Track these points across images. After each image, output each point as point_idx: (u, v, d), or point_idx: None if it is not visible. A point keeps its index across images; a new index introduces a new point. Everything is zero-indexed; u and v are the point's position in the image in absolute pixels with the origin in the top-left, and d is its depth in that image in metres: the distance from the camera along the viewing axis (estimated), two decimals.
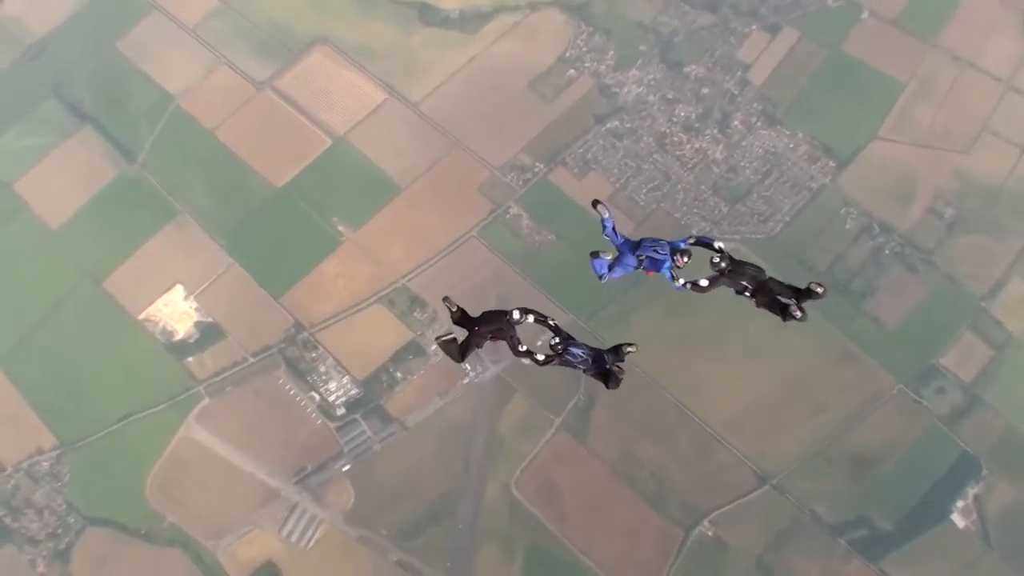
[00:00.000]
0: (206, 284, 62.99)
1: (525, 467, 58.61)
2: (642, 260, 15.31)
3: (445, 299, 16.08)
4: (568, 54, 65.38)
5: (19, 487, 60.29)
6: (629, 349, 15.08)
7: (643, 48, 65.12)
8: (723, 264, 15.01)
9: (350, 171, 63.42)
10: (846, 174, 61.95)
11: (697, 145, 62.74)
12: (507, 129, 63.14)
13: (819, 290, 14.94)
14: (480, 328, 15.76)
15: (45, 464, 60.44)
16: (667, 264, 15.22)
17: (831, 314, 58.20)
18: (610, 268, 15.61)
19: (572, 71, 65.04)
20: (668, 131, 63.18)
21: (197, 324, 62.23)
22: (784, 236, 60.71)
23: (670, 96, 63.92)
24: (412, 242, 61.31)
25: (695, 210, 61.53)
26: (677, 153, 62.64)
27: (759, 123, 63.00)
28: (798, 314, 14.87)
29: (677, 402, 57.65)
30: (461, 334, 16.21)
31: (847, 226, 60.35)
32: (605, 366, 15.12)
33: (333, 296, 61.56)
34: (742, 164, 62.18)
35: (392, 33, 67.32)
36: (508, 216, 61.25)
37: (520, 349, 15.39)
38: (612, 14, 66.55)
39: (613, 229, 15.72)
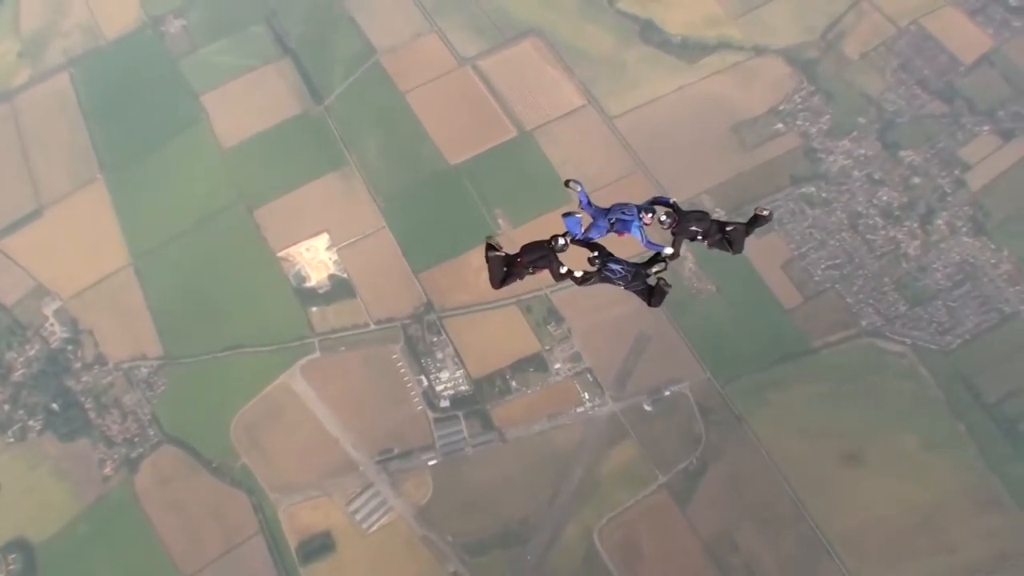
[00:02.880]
0: (352, 240, 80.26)
1: (614, 517, 71.42)
2: (613, 223, 20.05)
3: (489, 237, 20.31)
4: (782, 107, 79.60)
5: (113, 385, 79.10)
6: (658, 268, 19.13)
7: (862, 120, 78.38)
8: (669, 220, 19.73)
9: (526, 167, 79.75)
10: None
11: (892, 234, 74.81)
12: (697, 167, 77.31)
13: (765, 213, 19.51)
14: (522, 259, 20.01)
15: (144, 371, 79.05)
16: (635, 223, 19.93)
17: (988, 453, 68.64)
18: (584, 231, 20.14)
19: (781, 125, 79.09)
20: (865, 212, 75.58)
21: (331, 277, 79.57)
22: (959, 354, 71.51)
23: (877, 177, 76.43)
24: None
25: (871, 301, 72.99)
26: (868, 237, 74.85)
27: (964, 229, 74.39)
28: (765, 212, 19.77)
29: (796, 498, 69.31)
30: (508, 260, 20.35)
31: None
32: (646, 281, 18.87)
33: (472, 287, 76.85)
34: (934, 266, 73.65)
35: (609, 42, 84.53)
36: None
37: (561, 272, 19.75)
38: (839, 78, 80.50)
39: (588, 201, 20.50)
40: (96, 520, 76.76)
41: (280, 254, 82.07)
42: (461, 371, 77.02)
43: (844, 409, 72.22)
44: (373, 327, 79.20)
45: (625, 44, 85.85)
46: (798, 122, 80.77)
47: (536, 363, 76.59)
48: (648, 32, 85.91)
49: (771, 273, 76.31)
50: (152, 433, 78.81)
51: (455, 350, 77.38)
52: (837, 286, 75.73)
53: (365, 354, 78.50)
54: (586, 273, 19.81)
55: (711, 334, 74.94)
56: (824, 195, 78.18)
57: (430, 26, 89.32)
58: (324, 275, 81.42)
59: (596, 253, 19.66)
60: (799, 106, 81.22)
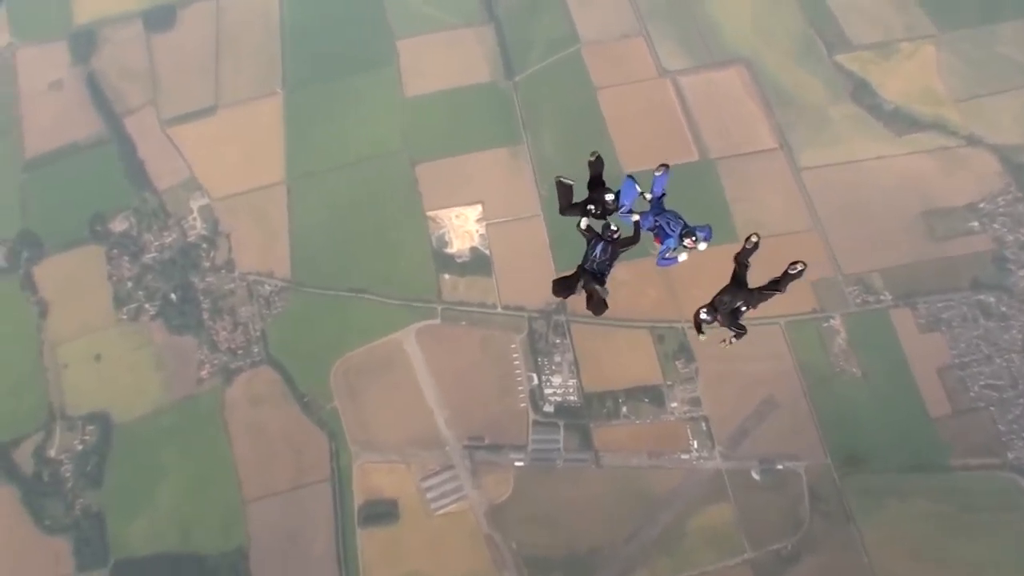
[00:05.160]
0: (504, 219, 78.17)
1: None
2: (656, 225, 19.64)
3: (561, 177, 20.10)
4: (982, 205, 73.68)
5: (234, 293, 78.98)
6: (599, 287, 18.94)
7: None
8: (709, 319, 19.41)
9: (697, 194, 75.41)
10: None
11: None
12: (875, 243, 72.49)
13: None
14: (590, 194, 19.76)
15: (268, 288, 78.64)
16: (671, 242, 19.45)
17: None
18: (635, 211, 19.55)
19: (976, 223, 73.14)
20: None
21: (473, 249, 77.59)
22: None
23: None
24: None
25: (1023, 433, 67.26)
26: None
27: None
28: (798, 267, 18.50)
29: None
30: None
31: None
32: (595, 283, 19.28)
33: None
34: None
35: (818, 92, 79.94)
36: (826, 325, 70.66)
37: (585, 207, 19.62)
38: None
39: (662, 187, 20.07)
40: (179, 418, 76.39)
41: (429, 213, 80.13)
42: (575, 381, 73.47)
43: (964, 540, 65.74)
44: (500, 311, 76.51)
45: (835, 98, 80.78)
46: (995, 225, 74.28)
47: (653, 395, 72.26)
48: (861, 92, 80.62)
49: (925, 374, 70.29)
50: (256, 351, 77.97)
51: (575, 358, 74.02)
52: (992, 408, 69.30)
53: (484, 335, 76.00)
54: (587, 227, 19.54)
55: (844, 420, 69.21)
56: (1004, 309, 71.86)
57: (640, 29, 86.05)
58: (467, 246, 79.07)
59: (609, 223, 19.18)
60: (1001, 209, 74.70)
